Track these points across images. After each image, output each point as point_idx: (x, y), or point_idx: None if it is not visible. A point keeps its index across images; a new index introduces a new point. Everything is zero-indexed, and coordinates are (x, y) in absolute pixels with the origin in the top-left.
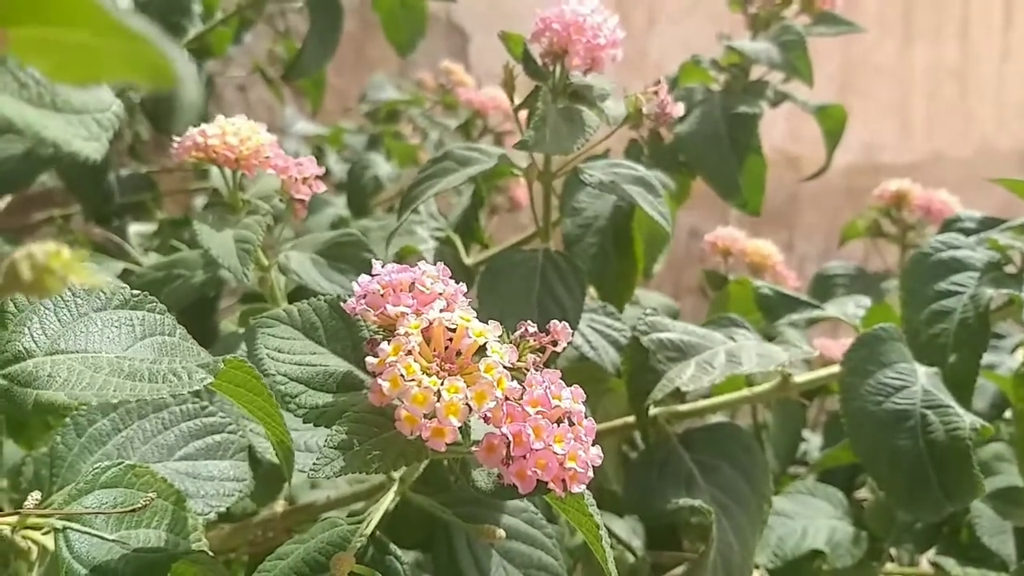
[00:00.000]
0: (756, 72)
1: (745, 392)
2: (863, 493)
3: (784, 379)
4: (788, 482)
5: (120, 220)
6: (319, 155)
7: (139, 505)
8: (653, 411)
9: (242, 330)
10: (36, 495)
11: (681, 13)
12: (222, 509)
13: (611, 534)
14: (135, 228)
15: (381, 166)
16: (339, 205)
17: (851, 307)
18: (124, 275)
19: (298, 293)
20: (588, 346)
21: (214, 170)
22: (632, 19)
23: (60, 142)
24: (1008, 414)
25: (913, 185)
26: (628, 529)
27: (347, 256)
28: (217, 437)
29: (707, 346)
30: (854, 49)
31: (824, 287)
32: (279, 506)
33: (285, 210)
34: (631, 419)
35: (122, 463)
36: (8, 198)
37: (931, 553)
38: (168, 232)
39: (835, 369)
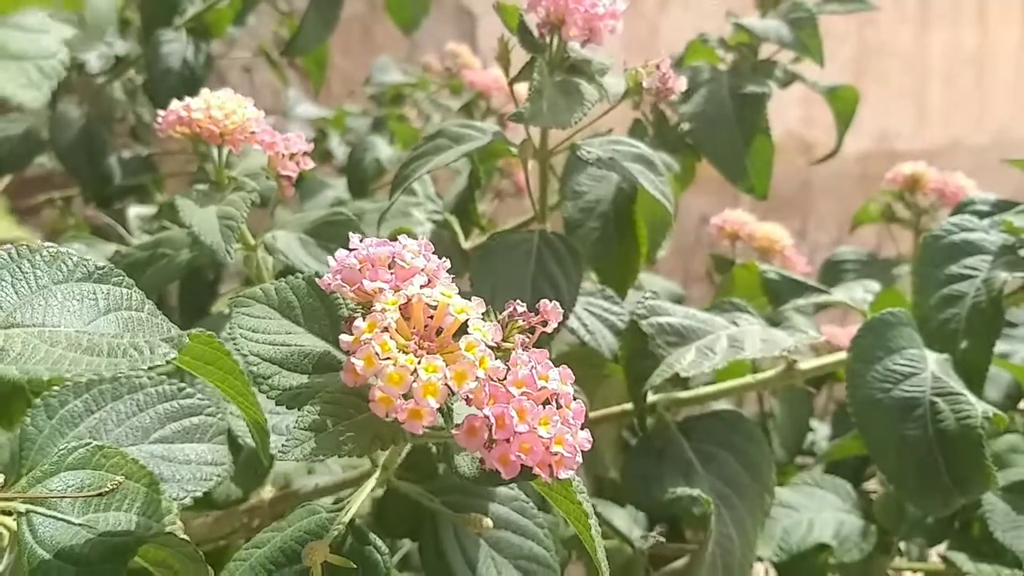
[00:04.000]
0: (765, 51)
1: (748, 379)
2: (872, 485)
3: (789, 366)
4: (795, 473)
5: (121, 203)
6: (322, 138)
7: (107, 488)
8: (652, 398)
9: (228, 311)
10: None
11: None
12: (199, 494)
13: (609, 525)
14: (135, 211)
15: (382, 148)
16: (340, 188)
17: (859, 292)
18: (114, 257)
19: (285, 273)
20: (584, 330)
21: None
22: (643, 0)
23: (4, 94)
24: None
25: (928, 168)
26: (628, 519)
27: (336, 236)
28: (195, 419)
29: (708, 331)
30: (869, 34)
31: (834, 273)
32: (266, 493)
33: (275, 188)
34: (630, 406)
35: (90, 444)
36: (7, 179)
37: (941, 548)
38: (167, 214)
39: (842, 355)
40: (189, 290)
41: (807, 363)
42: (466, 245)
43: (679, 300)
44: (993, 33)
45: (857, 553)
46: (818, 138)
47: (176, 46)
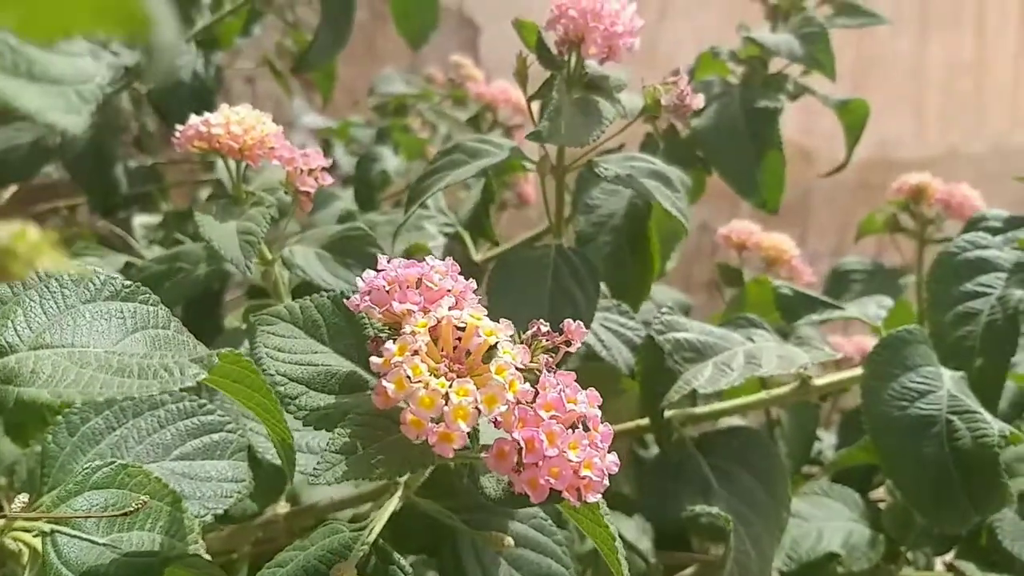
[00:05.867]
0: (775, 64)
1: (763, 395)
2: (879, 493)
3: (803, 382)
4: (802, 482)
5: (127, 212)
6: (326, 148)
7: (131, 508)
8: (668, 413)
9: (245, 326)
10: (23, 497)
11: (693, 6)
12: (220, 511)
13: (620, 537)
14: (140, 220)
15: (389, 160)
16: (346, 199)
17: (872, 308)
18: (126, 268)
19: (302, 288)
20: (601, 345)
21: (219, 161)
22: (642, 12)
23: (34, 112)
24: None
25: (933, 179)
26: (637, 531)
27: (353, 251)
28: (215, 436)
29: (725, 347)
30: (868, 43)
31: (840, 283)
32: (281, 507)
33: (291, 203)
34: (643, 421)
35: (114, 463)
36: (13, 188)
37: (949, 557)
38: (173, 224)
39: (857, 371)
40: (196, 301)
41: (821, 379)
42: (477, 257)
43: (687, 311)
44: (991, 42)
45: (866, 562)
46: (818, 147)
47: (187, 59)
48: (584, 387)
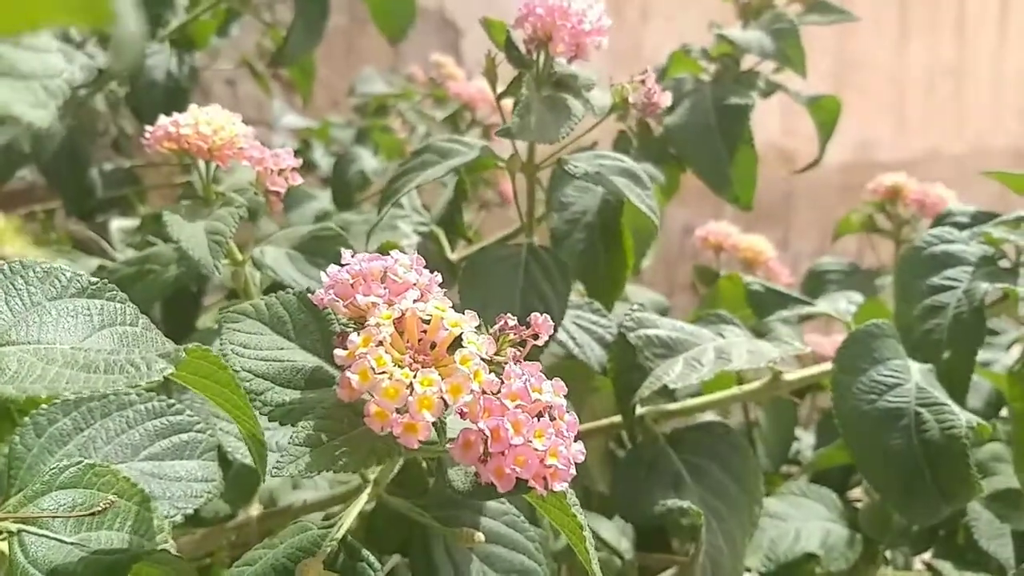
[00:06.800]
0: (747, 62)
1: (735, 390)
2: (857, 493)
3: (775, 377)
4: (780, 482)
5: (104, 215)
6: (306, 149)
7: (99, 508)
8: (640, 410)
9: (216, 325)
10: None
11: (675, 7)
12: (189, 511)
13: (598, 537)
14: (117, 223)
15: (367, 160)
16: (324, 199)
17: (843, 303)
18: (98, 271)
19: (273, 289)
20: (573, 343)
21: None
22: (626, 13)
23: (1, 106)
24: (1005, 412)
25: (908, 179)
26: (616, 531)
27: (325, 251)
28: (184, 436)
29: (696, 343)
30: (849, 46)
31: (817, 283)
32: (254, 509)
33: (263, 203)
34: (618, 419)
35: (81, 462)
36: None
37: (927, 556)
38: (150, 227)
39: (827, 366)
40: (173, 303)
41: (793, 374)
42: (452, 256)
43: (664, 311)
44: (970, 44)
45: (843, 562)
46: (799, 149)
47: (160, 59)
48: None
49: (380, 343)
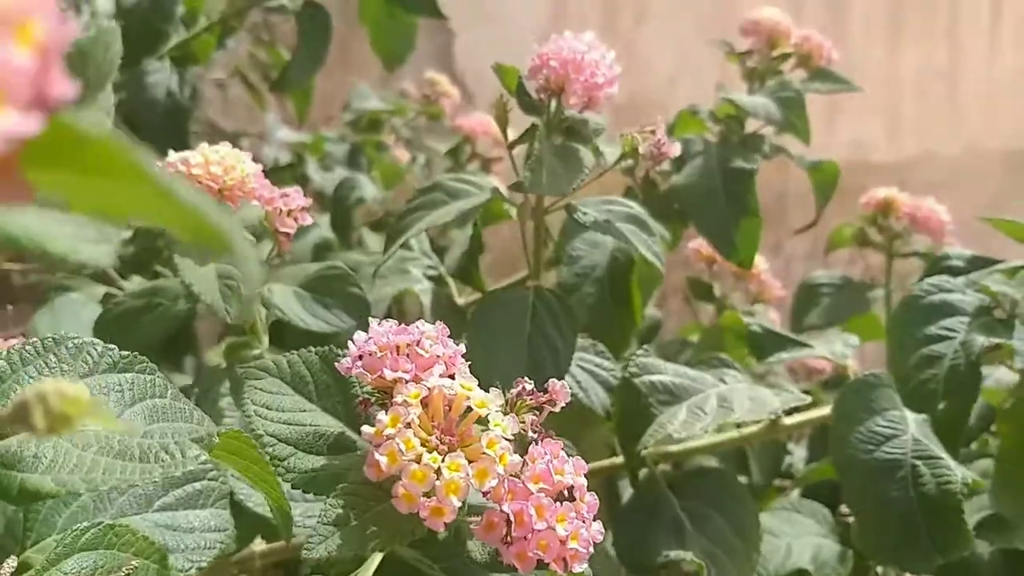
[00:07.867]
0: (751, 124)
1: (734, 434)
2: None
3: (773, 422)
4: (773, 495)
5: None
6: (299, 162)
7: (122, 573)
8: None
9: (225, 364)
10: (12, 562)
11: (669, 12)
12: (203, 564)
13: None
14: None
15: (367, 187)
16: (323, 225)
17: (839, 346)
18: (105, 299)
19: (280, 325)
20: (578, 387)
21: None
22: (620, 17)
23: (67, 252)
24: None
25: (900, 193)
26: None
27: (333, 290)
28: (197, 485)
29: (699, 389)
30: (842, 51)
31: (810, 296)
32: (256, 544)
33: (271, 239)
34: (617, 460)
35: (100, 523)
36: None
37: None
38: (142, 237)
39: (825, 411)
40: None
41: (791, 419)
42: (460, 301)
43: (657, 326)
44: (963, 47)
45: None
46: (788, 148)
47: (160, 76)
48: (559, 422)
49: (408, 424)
